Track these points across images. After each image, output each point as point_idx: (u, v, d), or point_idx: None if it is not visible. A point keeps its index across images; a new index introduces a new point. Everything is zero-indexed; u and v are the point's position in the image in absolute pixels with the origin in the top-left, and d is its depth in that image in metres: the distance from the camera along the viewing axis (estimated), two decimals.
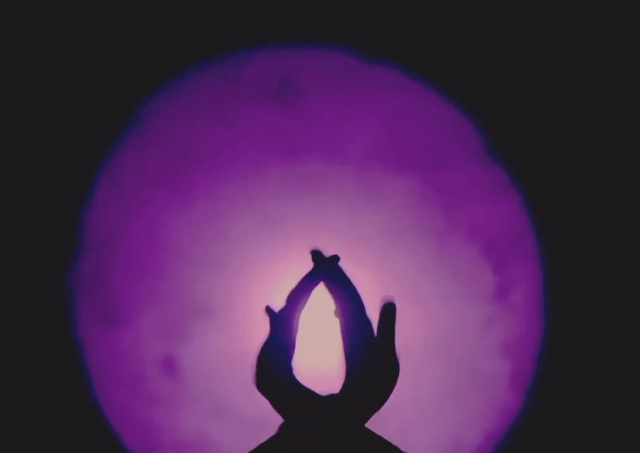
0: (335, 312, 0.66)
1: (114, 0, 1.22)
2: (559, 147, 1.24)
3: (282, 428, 0.57)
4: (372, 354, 0.61)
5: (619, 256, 1.23)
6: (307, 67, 1.23)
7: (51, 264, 1.21)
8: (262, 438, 1.20)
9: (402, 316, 1.21)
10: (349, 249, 1.21)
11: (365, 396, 0.59)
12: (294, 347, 0.64)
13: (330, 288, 0.66)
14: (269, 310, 0.65)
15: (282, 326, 0.64)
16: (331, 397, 0.59)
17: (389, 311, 0.64)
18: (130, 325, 1.22)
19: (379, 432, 1.20)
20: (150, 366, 1.21)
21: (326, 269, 0.66)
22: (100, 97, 1.22)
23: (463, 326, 1.22)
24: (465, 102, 1.24)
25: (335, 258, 0.66)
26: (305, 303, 0.66)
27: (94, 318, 1.21)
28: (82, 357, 1.20)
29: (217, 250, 1.22)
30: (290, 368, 0.62)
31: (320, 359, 1.21)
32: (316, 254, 0.65)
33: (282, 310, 0.65)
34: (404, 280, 1.22)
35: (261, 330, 1.21)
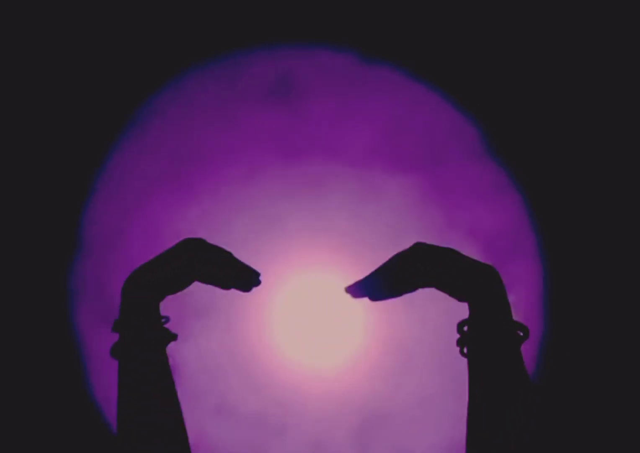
0: None
1: (113, 0, 1.22)
2: (559, 147, 1.24)
3: None
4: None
5: (620, 256, 1.22)
6: (307, 67, 1.23)
7: (51, 265, 1.21)
8: (263, 437, 1.20)
9: (401, 316, 1.21)
10: (349, 249, 1.21)
11: None
12: None
13: None
14: None
15: None
16: None
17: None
18: None
19: (379, 432, 1.20)
20: None
21: None
22: (100, 97, 1.22)
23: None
24: (465, 102, 1.24)
25: None
26: None
27: (94, 318, 1.21)
28: (82, 357, 1.20)
29: None
30: None
31: (317, 357, 1.21)
32: None
33: None
34: None
35: (260, 329, 1.21)
